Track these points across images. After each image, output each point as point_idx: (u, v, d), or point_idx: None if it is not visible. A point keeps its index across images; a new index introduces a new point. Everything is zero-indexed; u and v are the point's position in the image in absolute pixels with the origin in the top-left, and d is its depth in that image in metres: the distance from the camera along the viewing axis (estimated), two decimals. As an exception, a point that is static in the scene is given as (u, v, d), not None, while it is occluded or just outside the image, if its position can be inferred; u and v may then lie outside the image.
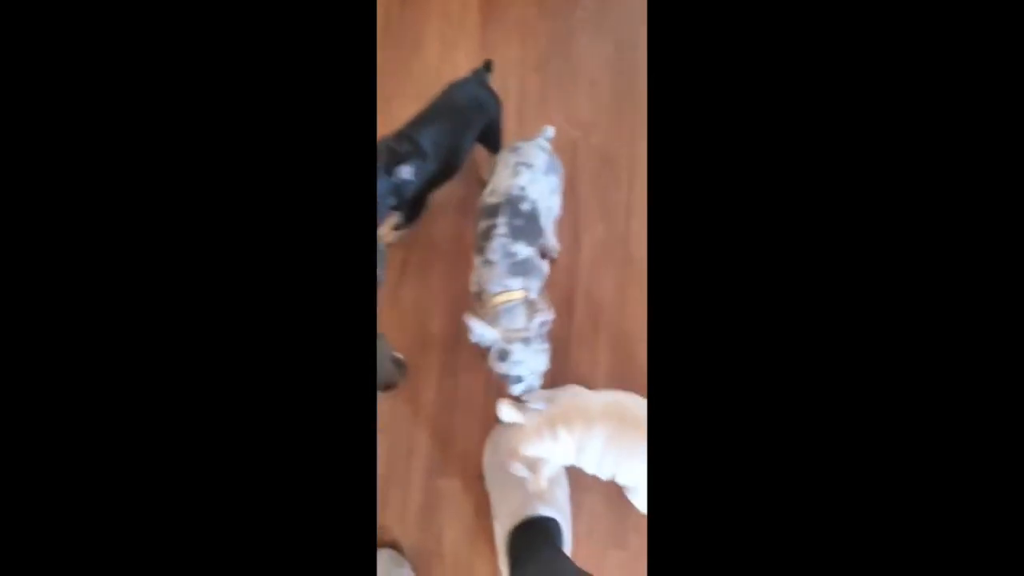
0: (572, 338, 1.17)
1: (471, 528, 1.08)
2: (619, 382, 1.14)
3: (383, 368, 0.97)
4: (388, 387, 1.00)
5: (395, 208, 1.05)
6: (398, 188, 1.00)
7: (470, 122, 1.07)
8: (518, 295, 0.92)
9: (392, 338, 1.13)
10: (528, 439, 0.91)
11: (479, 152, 1.16)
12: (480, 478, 1.09)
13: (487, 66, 1.11)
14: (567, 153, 1.26)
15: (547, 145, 1.03)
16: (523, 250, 0.94)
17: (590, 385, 1.13)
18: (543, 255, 1.15)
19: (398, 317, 1.18)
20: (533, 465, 0.92)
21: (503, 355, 0.91)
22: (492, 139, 1.14)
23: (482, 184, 1.21)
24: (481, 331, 0.90)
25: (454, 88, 1.08)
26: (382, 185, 0.98)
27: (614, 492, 1.05)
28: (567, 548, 1.02)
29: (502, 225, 0.93)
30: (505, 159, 1.00)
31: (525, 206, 0.95)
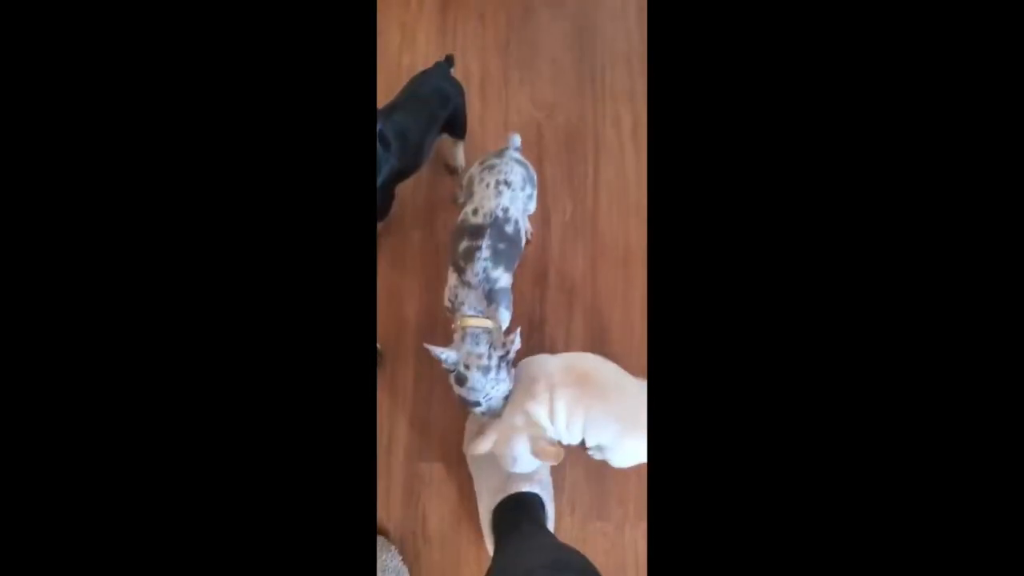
0: (547, 314, 1.18)
1: (455, 510, 1.09)
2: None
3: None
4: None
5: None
6: None
7: (435, 114, 1.07)
8: (489, 324, 0.92)
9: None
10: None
11: (443, 138, 1.16)
12: (462, 461, 1.09)
13: (448, 60, 1.12)
14: (532, 134, 1.27)
15: (519, 155, 1.03)
16: (503, 277, 0.95)
17: (566, 361, 1.14)
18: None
19: (372, 305, 1.17)
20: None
21: (460, 379, 0.92)
22: (457, 126, 1.14)
23: (448, 170, 1.22)
24: (441, 355, 0.91)
25: (418, 81, 1.09)
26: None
27: (594, 466, 1.06)
28: (551, 523, 1.03)
29: (486, 249, 0.93)
30: (482, 177, 0.99)
31: (509, 228, 0.96)
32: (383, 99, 1.07)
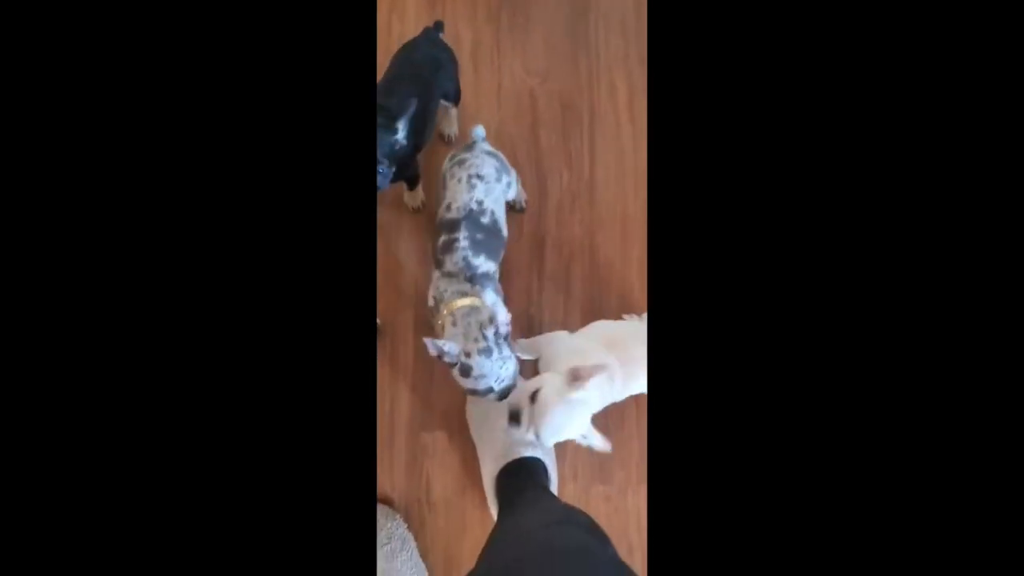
0: (545, 284, 1.18)
1: (459, 478, 1.10)
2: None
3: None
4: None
5: (397, 176, 1.03)
6: (393, 150, 0.97)
7: (432, 82, 1.06)
8: (476, 302, 0.91)
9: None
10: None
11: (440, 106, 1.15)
12: (463, 429, 1.10)
13: (437, 25, 1.10)
14: (526, 101, 1.25)
15: (488, 147, 1.01)
16: (484, 264, 0.94)
17: (566, 327, 1.14)
18: (513, 206, 1.15)
19: (369, 278, 1.17)
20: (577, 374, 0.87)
21: (465, 370, 0.89)
22: (451, 91, 1.13)
23: (443, 139, 1.21)
24: (436, 347, 0.87)
25: (409, 50, 1.07)
26: (382, 148, 0.96)
27: (597, 428, 1.07)
28: (554, 487, 1.04)
29: (463, 239, 0.93)
30: (453, 172, 0.99)
31: (485, 219, 0.95)
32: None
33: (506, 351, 0.90)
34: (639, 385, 0.96)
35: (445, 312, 0.91)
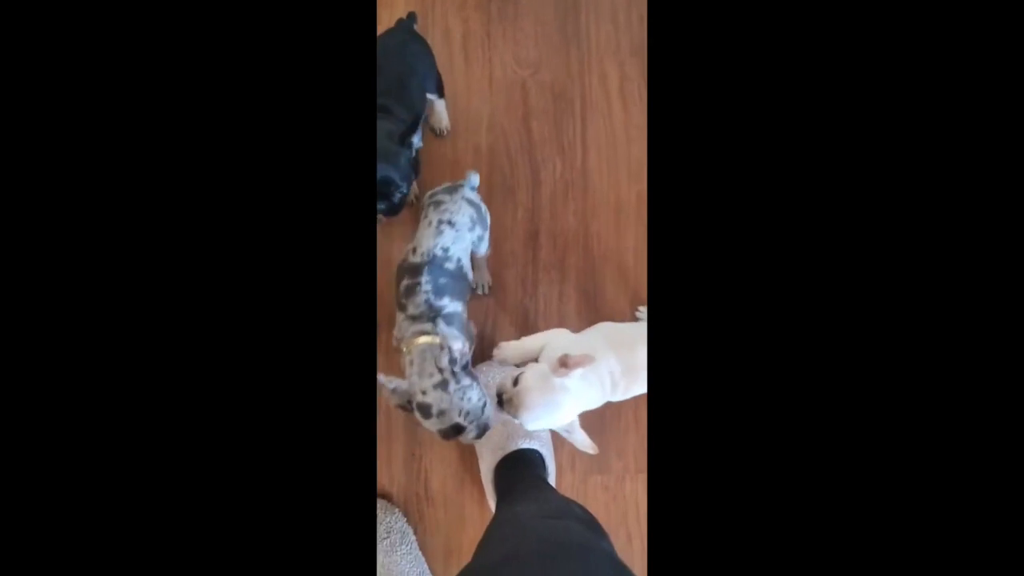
0: (540, 275, 1.17)
1: (457, 471, 1.10)
2: (589, 313, 1.16)
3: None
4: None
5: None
6: (408, 166, 0.96)
7: (414, 71, 1.05)
8: (435, 340, 0.88)
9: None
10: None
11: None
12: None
13: (411, 16, 1.09)
14: (517, 92, 1.25)
15: (474, 195, 0.99)
16: (449, 304, 0.92)
17: (562, 318, 1.14)
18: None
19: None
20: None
21: (424, 409, 0.86)
22: (433, 86, 1.11)
23: (435, 133, 1.20)
24: (389, 385, 0.86)
25: (386, 43, 1.05)
26: (407, 156, 0.95)
27: (594, 421, 1.07)
28: (552, 478, 1.05)
29: (426, 284, 0.91)
30: (427, 213, 0.96)
31: (450, 265, 0.93)
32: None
33: (465, 380, 0.87)
34: (641, 387, 0.95)
35: (405, 351, 0.89)
